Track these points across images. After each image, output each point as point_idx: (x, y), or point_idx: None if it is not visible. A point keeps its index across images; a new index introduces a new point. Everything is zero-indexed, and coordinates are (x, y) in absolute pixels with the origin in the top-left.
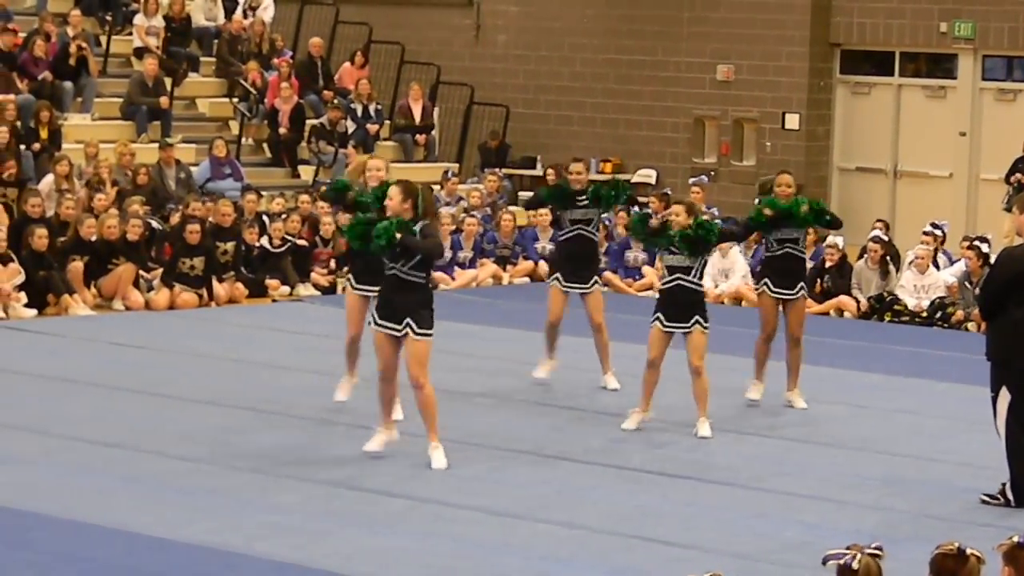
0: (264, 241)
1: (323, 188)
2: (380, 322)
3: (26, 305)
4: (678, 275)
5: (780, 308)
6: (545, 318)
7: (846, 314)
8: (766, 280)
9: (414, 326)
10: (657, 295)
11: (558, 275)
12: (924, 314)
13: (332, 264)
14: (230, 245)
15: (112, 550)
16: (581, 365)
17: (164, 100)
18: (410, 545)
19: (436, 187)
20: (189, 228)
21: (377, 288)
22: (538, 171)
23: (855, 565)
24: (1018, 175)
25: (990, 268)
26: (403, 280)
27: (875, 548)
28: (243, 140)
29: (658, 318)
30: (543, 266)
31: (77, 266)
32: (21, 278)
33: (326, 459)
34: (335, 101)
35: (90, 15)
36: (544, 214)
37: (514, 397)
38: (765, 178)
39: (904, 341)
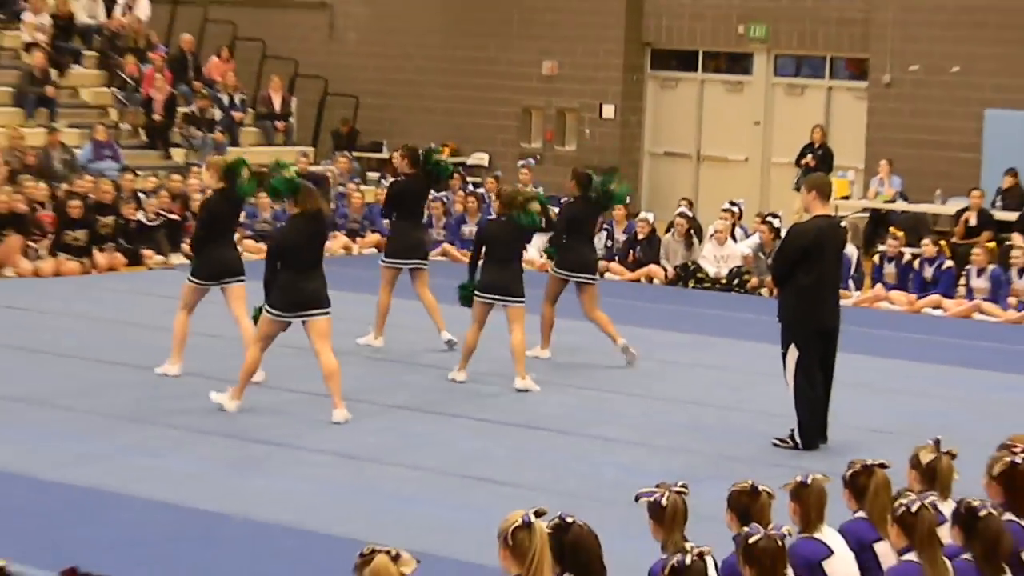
0: (140, 215)
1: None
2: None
3: None
4: None
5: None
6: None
7: (655, 281)
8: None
9: None
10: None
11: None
12: (723, 281)
13: None
14: (110, 219)
15: None
16: (415, 325)
17: (51, 89)
18: (273, 485)
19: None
20: (72, 204)
21: None
22: (384, 154)
23: (664, 502)
24: (807, 159)
25: (781, 241)
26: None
27: (681, 487)
28: (121, 125)
29: None
30: None
31: None
32: None
33: (196, 409)
34: (204, 91)
35: None
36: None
37: (360, 353)
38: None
39: (706, 305)
